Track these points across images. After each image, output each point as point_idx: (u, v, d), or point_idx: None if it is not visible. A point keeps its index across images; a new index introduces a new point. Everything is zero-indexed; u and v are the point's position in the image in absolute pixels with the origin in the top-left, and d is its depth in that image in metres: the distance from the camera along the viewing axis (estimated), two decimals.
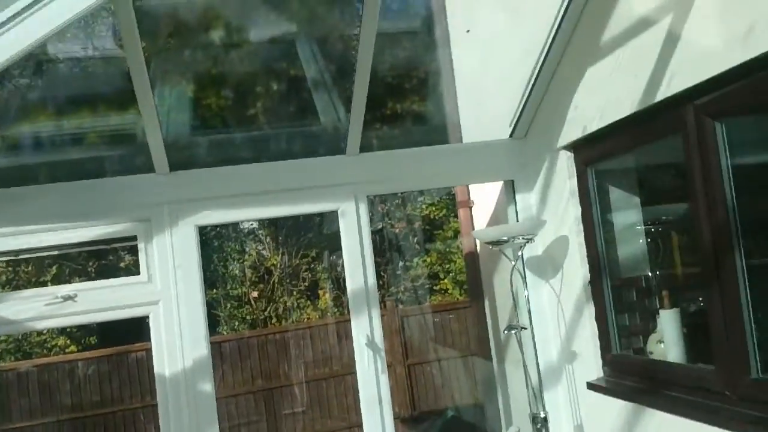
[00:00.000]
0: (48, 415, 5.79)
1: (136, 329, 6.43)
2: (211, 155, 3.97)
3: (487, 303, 5.07)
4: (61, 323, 3.51)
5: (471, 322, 6.19)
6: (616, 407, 3.23)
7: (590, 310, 3.49)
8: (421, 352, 7.29)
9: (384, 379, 3.67)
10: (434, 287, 10.59)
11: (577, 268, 3.55)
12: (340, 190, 3.68)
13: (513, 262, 3.56)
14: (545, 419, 3.34)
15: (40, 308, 3.36)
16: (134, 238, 3.50)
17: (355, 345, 3.68)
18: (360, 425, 3.86)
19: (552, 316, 3.85)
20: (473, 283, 5.22)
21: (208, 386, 3.52)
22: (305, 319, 8.92)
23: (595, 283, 3.45)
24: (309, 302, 10.17)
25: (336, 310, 9.61)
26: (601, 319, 3.43)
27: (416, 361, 7.18)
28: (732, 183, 2.45)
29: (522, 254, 3.69)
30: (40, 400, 5.79)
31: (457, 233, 10.77)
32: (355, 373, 3.72)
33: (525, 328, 3.38)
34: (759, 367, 2.38)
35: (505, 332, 3.29)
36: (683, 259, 3.51)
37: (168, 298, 3.49)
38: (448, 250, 10.67)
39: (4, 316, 3.34)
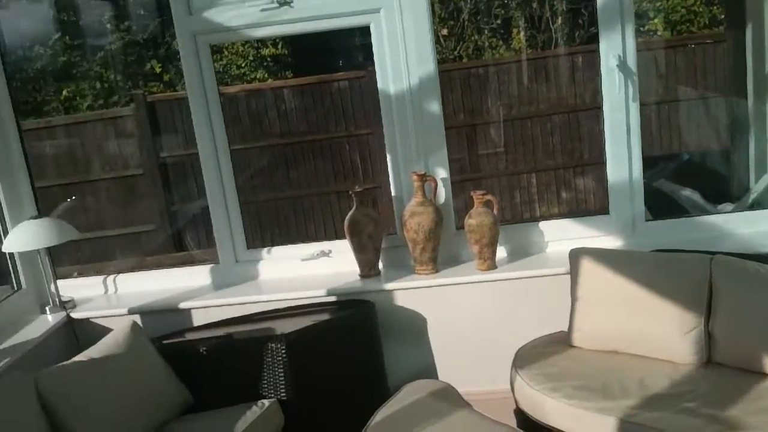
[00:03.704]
0: (259, 140, 5.89)
1: (333, 60, 6.24)
2: None
3: (749, 31, 4.16)
4: (277, 31, 3.19)
5: (722, 55, 5.26)
6: None
7: None
8: (651, 91, 6.42)
9: (635, 107, 3.14)
10: (641, 29, 9.52)
11: None
12: None
13: None
14: None
15: (255, 14, 3.06)
16: None
17: (603, 67, 3.12)
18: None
19: None
20: (733, 8, 4.26)
21: (435, 107, 3.18)
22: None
23: None
24: (501, 42, 9.58)
25: (530, 51, 8.98)
26: None
27: (647, 101, 6.37)
28: None
29: None
30: (250, 125, 5.87)
31: None
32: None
33: None
34: None
35: None
36: None
37: (390, 5, 3.07)
38: None
39: (219, 22, 3.08)
